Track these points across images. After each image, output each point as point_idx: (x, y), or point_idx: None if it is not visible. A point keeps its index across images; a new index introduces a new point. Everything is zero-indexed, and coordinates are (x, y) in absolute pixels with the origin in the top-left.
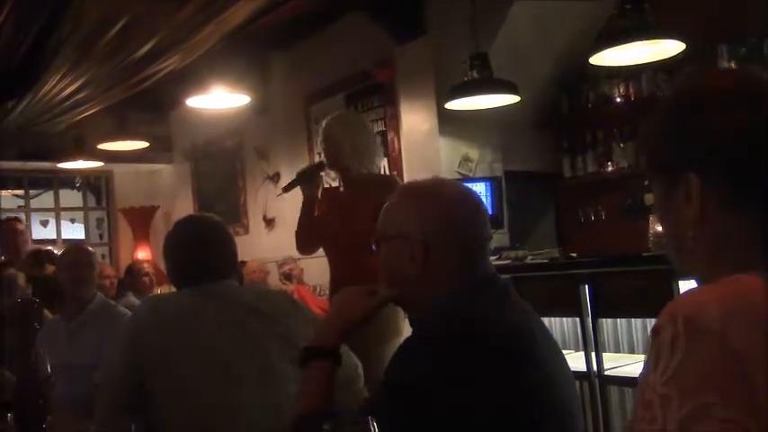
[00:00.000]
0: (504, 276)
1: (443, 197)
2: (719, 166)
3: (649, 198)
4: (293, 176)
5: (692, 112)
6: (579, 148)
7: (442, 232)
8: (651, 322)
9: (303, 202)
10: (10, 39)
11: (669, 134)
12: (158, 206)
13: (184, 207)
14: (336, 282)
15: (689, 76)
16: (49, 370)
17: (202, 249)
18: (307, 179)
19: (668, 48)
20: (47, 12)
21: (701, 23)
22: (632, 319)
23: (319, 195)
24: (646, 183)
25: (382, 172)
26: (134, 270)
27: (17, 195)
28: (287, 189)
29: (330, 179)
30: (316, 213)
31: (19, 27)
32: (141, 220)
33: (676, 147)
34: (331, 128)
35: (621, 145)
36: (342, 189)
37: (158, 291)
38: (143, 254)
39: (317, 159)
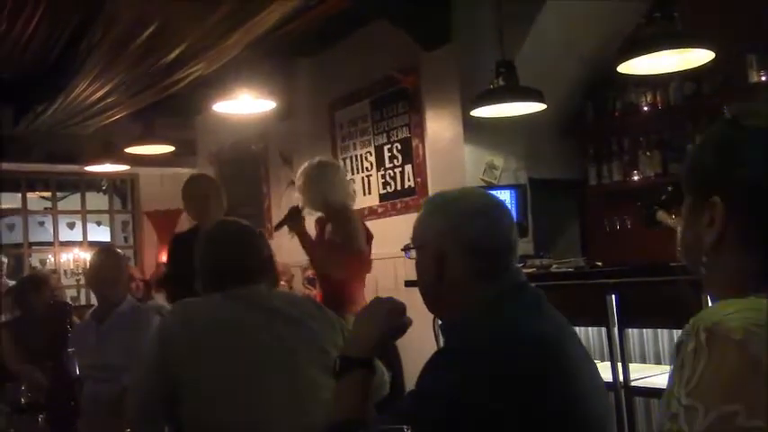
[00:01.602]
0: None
1: (458, 208)
2: (746, 199)
3: (662, 215)
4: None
5: (734, 141)
6: (605, 156)
7: (456, 242)
8: (678, 333)
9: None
10: (42, 43)
11: (710, 155)
12: (183, 210)
13: None
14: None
15: (747, 104)
16: (78, 371)
17: (232, 254)
18: (289, 221)
19: (697, 56)
20: (78, 16)
21: (731, 32)
22: (659, 330)
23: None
24: (663, 197)
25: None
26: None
27: (44, 197)
28: (277, 228)
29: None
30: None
31: (51, 31)
32: (166, 223)
33: (712, 170)
34: (299, 179)
35: (648, 153)
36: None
37: None
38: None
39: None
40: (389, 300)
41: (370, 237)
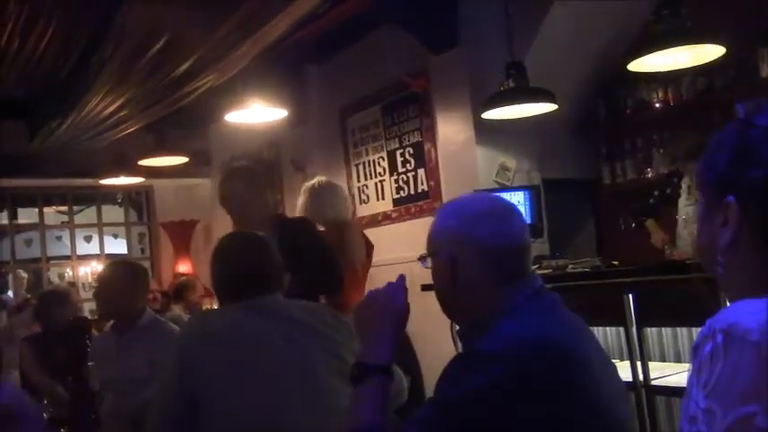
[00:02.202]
0: (546, 286)
1: (468, 212)
2: (760, 199)
3: (651, 225)
4: None
5: (748, 141)
6: (618, 155)
7: (467, 245)
8: (697, 331)
9: None
10: (54, 59)
11: (723, 155)
12: (198, 220)
13: (223, 221)
14: None
15: (760, 101)
16: (98, 385)
17: (247, 264)
18: None
19: (708, 52)
20: (89, 32)
21: (742, 26)
22: (678, 328)
23: None
24: (651, 201)
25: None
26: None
27: (61, 212)
28: None
29: None
30: None
31: (63, 48)
32: (182, 234)
33: (726, 169)
34: (301, 197)
35: (661, 150)
36: None
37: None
38: (184, 267)
39: (353, 175)
40: (385, 294)
41: (370, 247)
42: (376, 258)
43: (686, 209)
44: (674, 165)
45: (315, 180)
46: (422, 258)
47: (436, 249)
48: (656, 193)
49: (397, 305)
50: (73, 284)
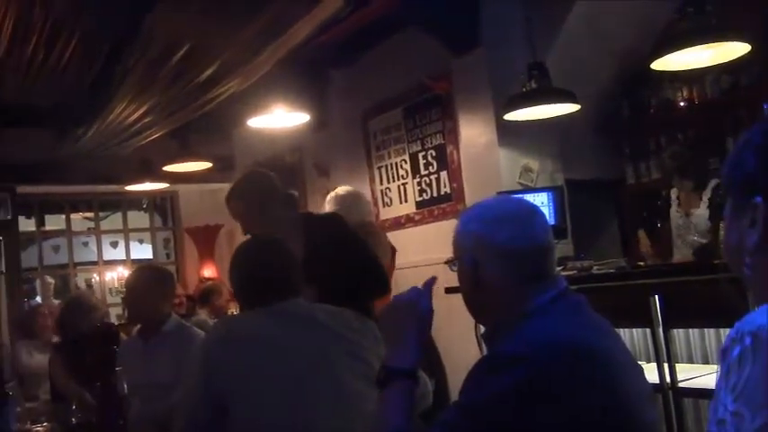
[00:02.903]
0: (571, 288)
1: (489, 215)
2: None
3: (642, 235)
4: None
5: None
6: (642, 154)
7: (488, 248)
8: (725, 332)
9: None
10: (78, 67)
11: (751, 155)
12: (222, 225)
13: None
14: None
15: None
16: (126, 390)
17: (269, 269)
18: None
19: (733, 49)
20: (113, 41)
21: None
22: (705, 329)
23: None
24: (644, 214)
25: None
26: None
27: (87, 218)
28: None
29: None
30: None
31: (87, 56)
32: (206, 238)
33: (753, 170)
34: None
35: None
36: None
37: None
38: (209, 272)
39: (376, 178)
40: (410, 298)
41: (393, 251)
42: (399, 261)
43: (677, 219)
44: (665, 176)
45: (338, 189)
46: (449, 262)
47: (459, 254)
48: (644, 216)
49: (421, 309)
50: (90, 287)
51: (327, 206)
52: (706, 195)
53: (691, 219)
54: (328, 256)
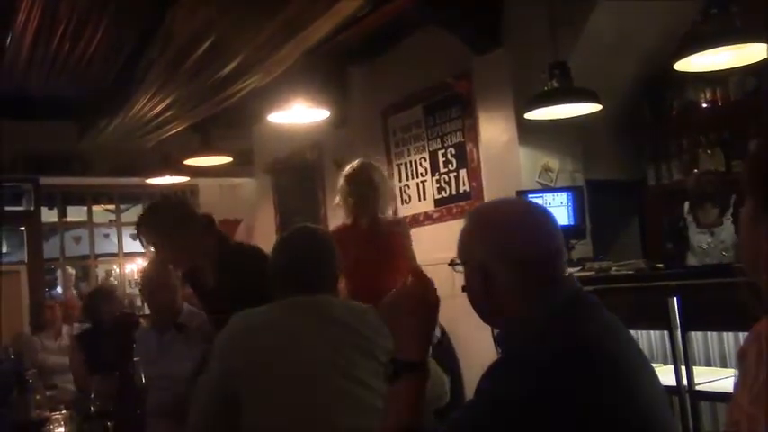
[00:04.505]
0: (587, 289)
1: (498, 221)
2: None
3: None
4: None
5: None
6: (663, 156)
7: (499, 256)
8: (743, 336)
9: None
10: (103, 61)
11: None
12: (241, 219)
13: (266, 220)
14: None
15: None
16: (144, 380)
17: (301, 262)
18: None
19: (757, 51)
20: (137, 35)
21: None
22: (724, 332)
23: None
24: (682, 220)
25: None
26: None
27: (108, 210)
28: None
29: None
30: None
31: (111, 50)
32: (225, 232)
33: None
34: (373, 174)
35: (709, 151)
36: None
37: None
38: None
39: (395, 175)
40: (415, 290)
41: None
42: (418, 259)
43: (702, 239)
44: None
45: (369, 161)
46: (452, 263)
47: (467, 258)
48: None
49: (428, 300)
50: (108, 277)
51: (376, 176)
52: (729, 211)
53: (717, 237)
54: (236, 288)
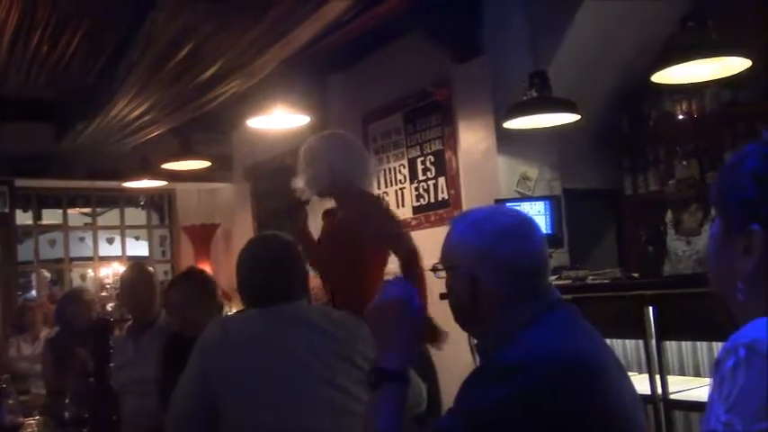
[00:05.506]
0: (564, 297)
1: (488, 229)
2: None
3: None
4: None
5: None
6: (640, 166)
7: (488, 265)
8: (717, 346)
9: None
10: (82, 63)
11: (748, 180)
12: (219, 224)
13: (244, 225)
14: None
15: None
16: (118, 386)
17: (271, 270)
18: (289, 218)
19: (733, 64)
20: (117, 37)
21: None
22: (698, 342)
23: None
24: (663, 225)
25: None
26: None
27: (84, 213)
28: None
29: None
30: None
31: (90, 52)
32: (202, 237)
33: (752, 196)
34: (310, 150)
35: (684, 162)
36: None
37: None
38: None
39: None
40: (401, 298)
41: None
42: (395, 266)
43: (678, 246)
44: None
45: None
46: (435, 270)
47: (454, 264)
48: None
49: (412, 309)
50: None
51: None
52: (709, 218)
53: (694, 246)
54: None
